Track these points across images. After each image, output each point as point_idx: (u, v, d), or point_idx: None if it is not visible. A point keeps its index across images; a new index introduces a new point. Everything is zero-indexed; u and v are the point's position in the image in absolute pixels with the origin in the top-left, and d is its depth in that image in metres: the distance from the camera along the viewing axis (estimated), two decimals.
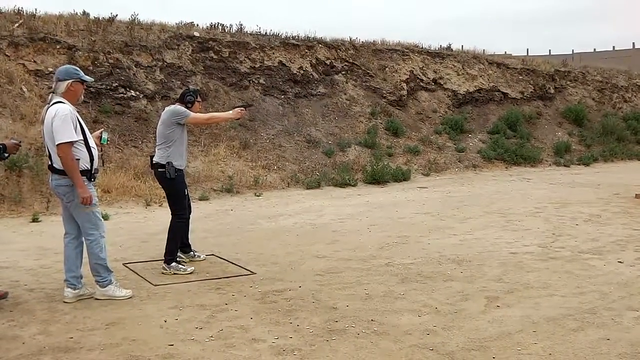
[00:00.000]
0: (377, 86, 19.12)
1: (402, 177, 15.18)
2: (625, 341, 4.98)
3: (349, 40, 20.05)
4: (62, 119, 5.64)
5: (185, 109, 7.15)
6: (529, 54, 37.20)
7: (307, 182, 14.07)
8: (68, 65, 6.31)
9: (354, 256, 7.90)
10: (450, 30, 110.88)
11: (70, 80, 5.86)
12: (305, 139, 16.06)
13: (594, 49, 46.61)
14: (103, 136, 6.36)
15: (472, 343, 4.95)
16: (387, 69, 19.79)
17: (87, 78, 6.08)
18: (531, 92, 22.25)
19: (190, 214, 7.61)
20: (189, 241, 7.72)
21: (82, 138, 5.81)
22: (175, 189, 7.25)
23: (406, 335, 5.12)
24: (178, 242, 7.34)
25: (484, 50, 24.63)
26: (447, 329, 5.27)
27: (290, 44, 18.35)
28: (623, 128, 21.81)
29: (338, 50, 19.24)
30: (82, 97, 6.15)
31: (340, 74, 18.77)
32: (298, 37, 19.01)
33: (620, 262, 7.53)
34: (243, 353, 4.77)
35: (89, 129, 6.10)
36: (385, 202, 12.22)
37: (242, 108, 7.48)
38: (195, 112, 7.32)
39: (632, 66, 29.09)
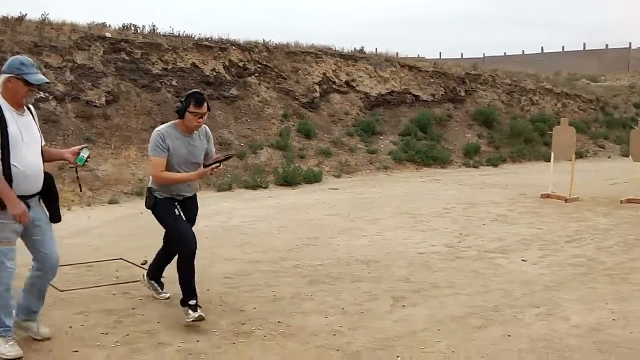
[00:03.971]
0: (290, 88, 19.11)
1: (313, 178, 15.19)
2: (526, 337, 5.12)
3: (262, 42, 19.96)
4: None
5: (154, 149, 5.57)
6: (442, 57, 37.94)
7: (218, 184, 13.92)
8: (19, 57, 4.73)
9: (264, 258, 7.85)
10: (365, 33, 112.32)
11: (8, 75, 4.55)
12: (217, 141, 15.86)
13: (504, 53, 48.01)
14: (81, 154, 5.11)
15: (378, 342, 4.98)
16: (300, 71, 19.81)
17: (38, 78, 4.66)
18: (442, 94, 22.62)
19: (195, 244, 5.64)
20: (163, 273, 6.35)
21: None
22: (159, 220, 5.87)
23: (313, 336, 5.12)
24: (190, 274, 5.57)
25: (397, 53, 25.01)
26: (353, 329, 5.29)
27: (203, 45, 18.12)
28: (531, 130, 22.40)
29: (251, 52, 19.13)
30: (31, 99, 4.75)
31: (253, 76, 18.65)
32: (211, 38, 18.78)
33: (523, 260, 7.74)
34: (148, 358, 4.70)
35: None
36: (296, 204, 12.20)
37: (211, 166, 5.64)
38: (188, 124, 5.70)
39: (540, 69, 30.05)
